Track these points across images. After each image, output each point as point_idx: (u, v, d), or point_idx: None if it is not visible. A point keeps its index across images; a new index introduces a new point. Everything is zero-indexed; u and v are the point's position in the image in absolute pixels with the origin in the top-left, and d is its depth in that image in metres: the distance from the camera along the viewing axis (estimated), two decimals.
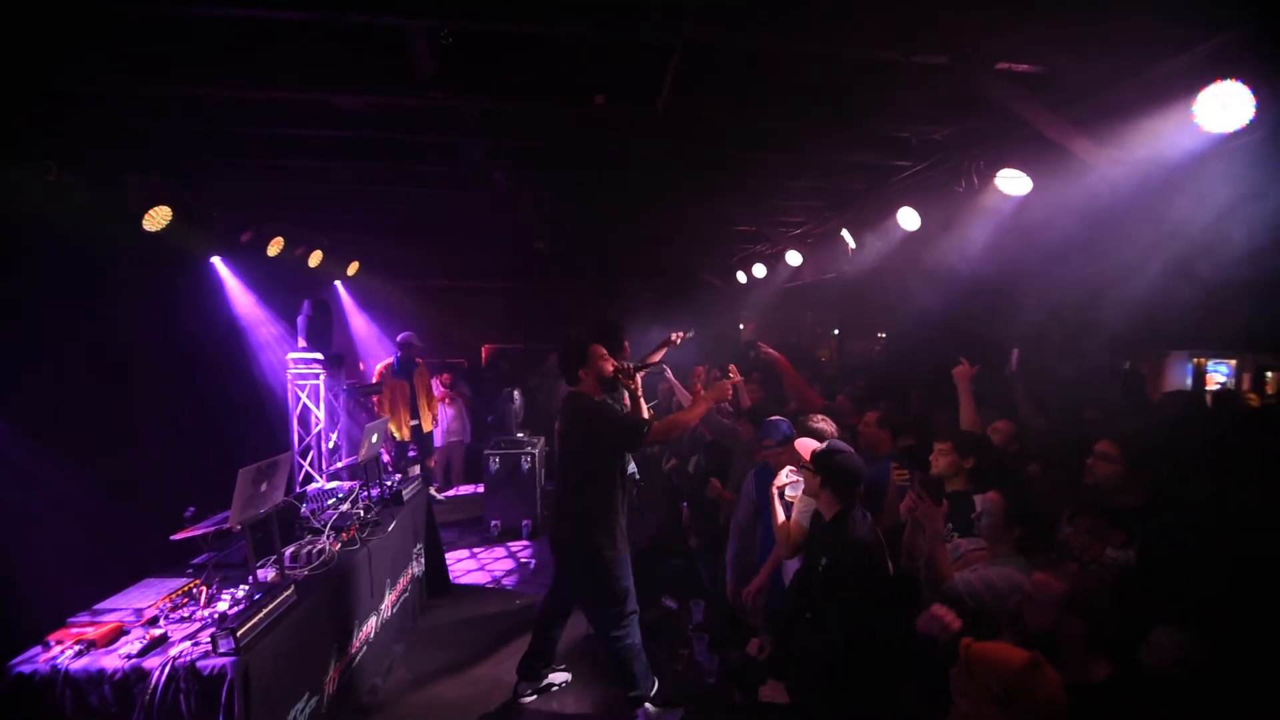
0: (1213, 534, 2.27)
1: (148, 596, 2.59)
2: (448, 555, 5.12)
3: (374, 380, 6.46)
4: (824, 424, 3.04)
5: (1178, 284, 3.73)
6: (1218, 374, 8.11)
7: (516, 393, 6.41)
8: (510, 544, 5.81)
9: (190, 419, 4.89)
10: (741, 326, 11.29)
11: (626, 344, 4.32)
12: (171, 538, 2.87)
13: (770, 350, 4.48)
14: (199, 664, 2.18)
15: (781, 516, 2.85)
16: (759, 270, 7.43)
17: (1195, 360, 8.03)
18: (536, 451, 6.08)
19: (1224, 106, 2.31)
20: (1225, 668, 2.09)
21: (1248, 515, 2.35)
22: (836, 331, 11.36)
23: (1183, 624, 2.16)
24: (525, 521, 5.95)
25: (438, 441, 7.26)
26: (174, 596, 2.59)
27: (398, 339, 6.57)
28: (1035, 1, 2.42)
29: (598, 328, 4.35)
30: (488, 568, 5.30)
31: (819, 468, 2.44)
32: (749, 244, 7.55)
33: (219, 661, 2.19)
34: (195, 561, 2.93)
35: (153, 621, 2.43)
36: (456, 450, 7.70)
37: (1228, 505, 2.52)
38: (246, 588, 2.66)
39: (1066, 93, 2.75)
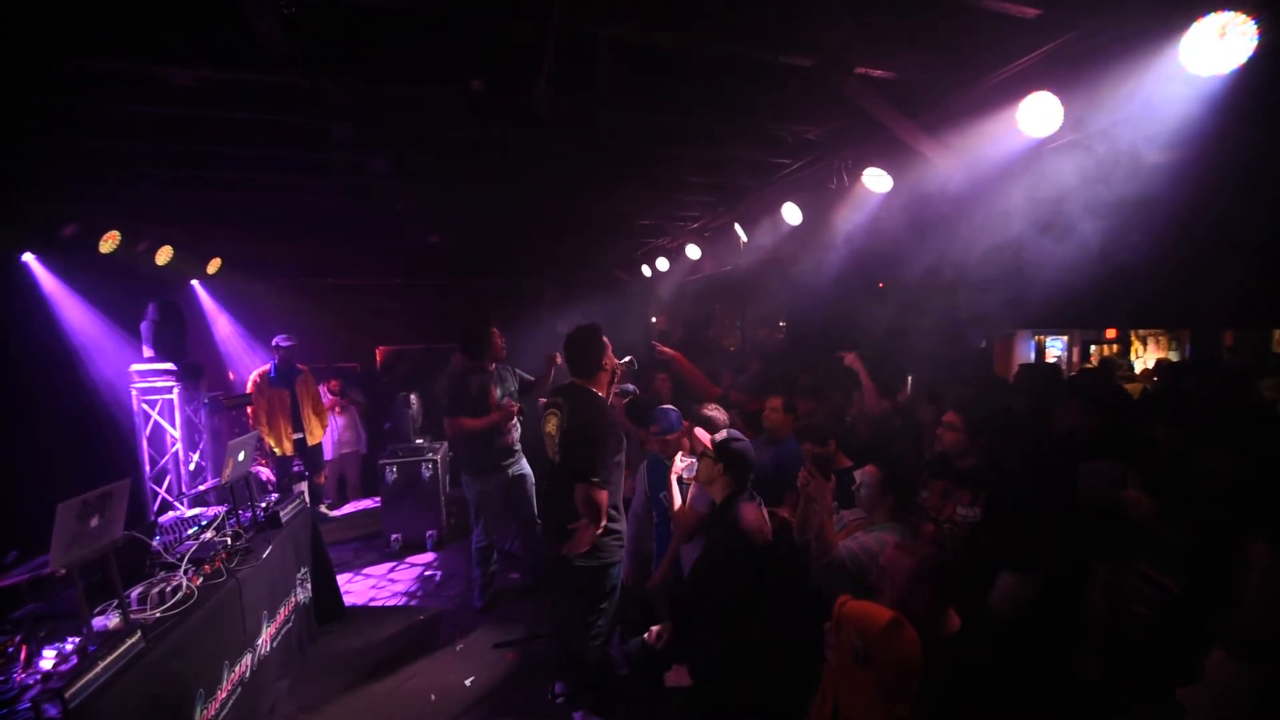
0: (1040, 489, 2.62)
1: None
2: (342, 576, 4.76)
3: (247, 390, 5.82)
4: (716, 413, 3.14)
5: (1018, 270, 4.25)
6: (1054, 349, 9.42)
7: (414, 396, 6.05)
8: (413, 558, 5.50)
9: (3, 448, 4.14)
10: (654, 320, 11.46)
11: (499, 343, 4.17)
12: None
13: (666, 349, 4.57)
14: None
15: (679, 502, 2.92)
16: (662, 264, 7.55)
17: (1037, 338, 9.26)
18: (439, 458, 5.79)
19: (1040, 115, 2.64)
20: (1054, 602, 2.43)
21: (1066, 471, 2.73)
22: (740, 323, 11.82)
23: (1019, 568, 2.49)
24: (430, 532, 5.65)
25: (328, 454, 6.69)
26: None
27: (273, 343, 5.94)
28: (886, 12, 2.63)
29: (461, 334, 4.19)
30: (387, 586, 4.97)
31: (720, 454, 2.53)
32: (650, 238, 7.65)
33: None
34: (15, 615, 2.50)
35: None
36: (350, 462, 7.16)
37: (1049, 462, 2.93)
38: (78, 640, 2.30)
39: (915, 98, 3.01)
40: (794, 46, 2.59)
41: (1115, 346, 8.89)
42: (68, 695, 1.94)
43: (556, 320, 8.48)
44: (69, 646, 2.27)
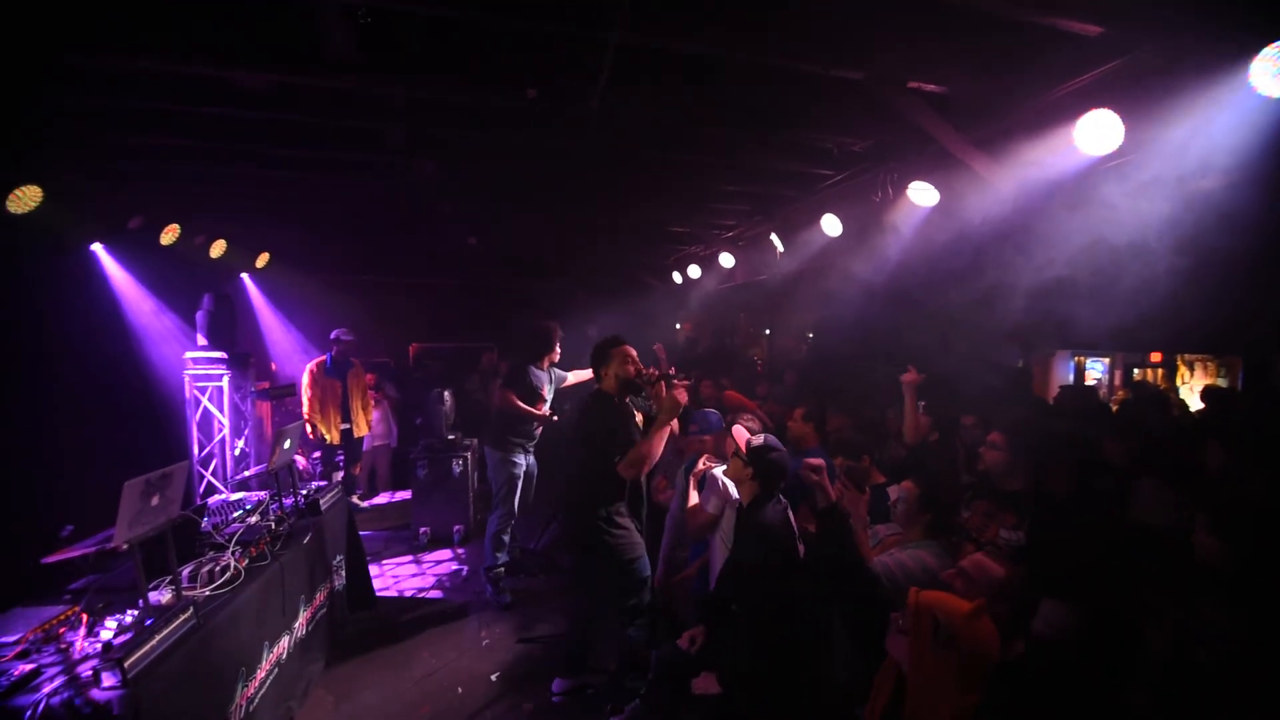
0: (1088, 514, 2.55)
1: (16, 628, 2.29)
2: (372, 566, 4.87)
3: (304, 378, 6.02)
4: (752, 423, 3.15)
5: (1062, 291, 4.15)
6: (1094, 371, 9.13)
7: (447, 393, 6.17)
8: (440, 551, 5.60)
9: (66, 427, 4.35)
10: (679, 326, 11.47)
11: (558, 348, 4.46)
12: (44, 560, 2.55)
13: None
14: (79, 700, 1.95)
15: (694, 499, 2.96)
16: (694, 271, 7.57)
17: (1076, 359, 9.00)
18: (469, 454, 5.89)
19: (1099, 133, 2.59)
20: (1103, 634, 2.35)
21: (1115, 497, 2.65)
22: (768, 331, 11.76)
23: (1064, 596, 2.42)
24: (457, 527, 5.75)
25: (363, 446, 6.86)
26: (48, 626, 2.30)
27: (331, 335, 6.15)
28: (941, 27, 2.61)
29: (530, 332, 4.50)
30: (415, 578, 5.07)
31: (752, 459, 2.54)
32: (684, 245, 7.67)
33: (104, 695, 1.96)
34: (74, 586, 2.63)
35: (23, 655, 2.15)
36: (382, 454, 7.32)
37: (1096, 487, 2.85)
38: (136, 613, 2.40)
39: (967, 114, 2.98)
40: (846, 60, 2.60)
41: (1160, 371, 8.58)
42: (127, 665, 2.03)
43: (586, 323, 8.56)
44: (128, 618, 2.38)
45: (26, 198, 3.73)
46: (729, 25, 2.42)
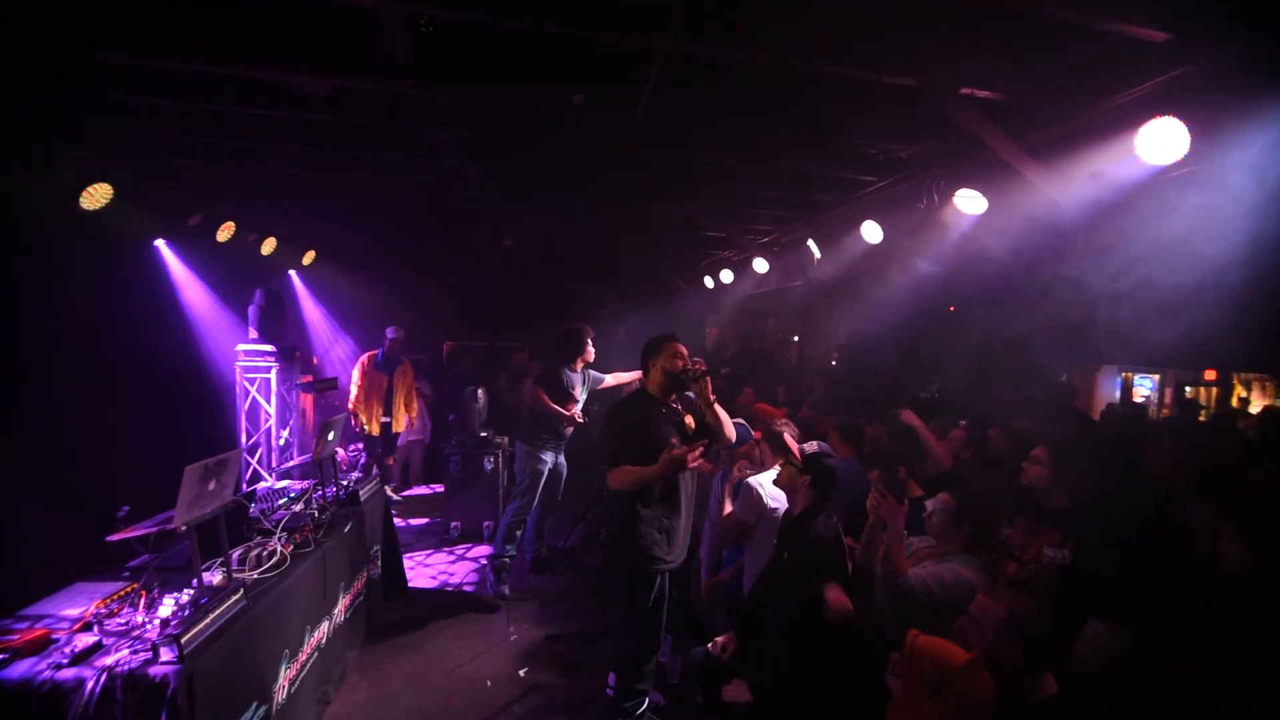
0: (1136, 533, 2.45)
1: (78, 602, 2.42)
2: (405, 557, 4.98)
3: (355, 370, 6.23)
4: (791, 428, 3.13)
5: (1112, 304, 4.01)
6: (1142, 388, 8.76)
7: (481, 391, 6.28)
8: (470, 546, 5.70)
9: (126, 412, 4.58)
10: (706, 330, 11.44)
11: (590, 350, 4.51)
12: (108, 538, 2.68)
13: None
14: (138, 673, 2.04)
15: (729, 508, 2.95)
16: (726, 276, 7.54)
17: (1123, 375, 8.64)
18: (500, 452, 5.98)
19: (1163, 141, 2.50)
20: (1150, 655, 2.26)
21: (1166, 517, 2.54)
22: (796, 339, 11.64)
23: (1110, 618, 2.33)
24: (486, 523, 5.84)
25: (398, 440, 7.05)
26: (109, 602, 2.42)
27: (386, 332, 6.37)
28: (997, 32, 2.56)
29: (561, 334, 4.57)
30: (446, 570, 5.17)
31: (808, 467, 2.53)
32: (717, 249, 7.65)
33: (161, 670, 2.05)
34: (132, 564, 2.76)
35: (85, 628, 2.26)
36: (416, 449, 7.49)
37: (1145, 506, 2.74)
38: (190, 592, 2.51)
39: (1022, 120, 2.91)
40: (899, 67, 2.57)
41: (1215, 390, 8.19)
42: (184, 640, 2.13)
43: (617, 325, 8.61)
44: (184, 597, 2.49)
45: (98, 195, 3.95)
46: (780, 34, 2.41)
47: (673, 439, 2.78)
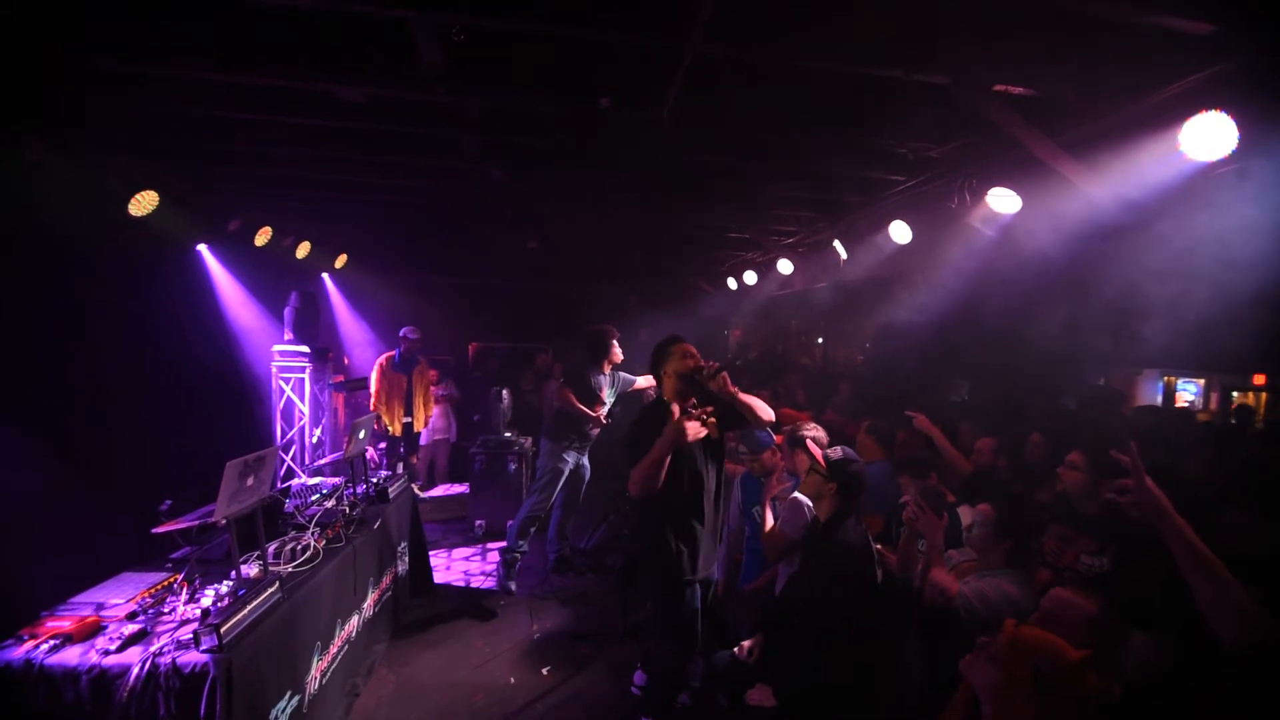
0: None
1: (125, 591, 2.52)
2: (431, 554, 5.06)
3: (374, 371, 6.36)
4: (817, 431, 3.09)
5: (1154, 305, 3.87)
6: (1186, 393, 8.41)
7: (505, 392, 6.36)
8: (495, 544, 5.77)
9: (168, 410, 4.77)
10: (728, 332, 11.39)
11: (616, 352, 4.53)
12: (154, 530, 2.80)
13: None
14: (180, 661, 2.12)
15: (771, 522, 2.89)
16: (750, 277, 7.49)
17: (1166, 379, 8.32)
18: (525, 452, 6.05)
19: (1208, 137, 2.41)
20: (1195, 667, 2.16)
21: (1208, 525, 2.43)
22: (820, 340, 11.50)
23: (1151, 628, 2.24)
24: (510, 523, 5.87)
25: (423, 440, 7.17)
26: (153, 591, 2.52)
27: (400, 333, 6.48)
28: (1032, 28, 2.50)
29: (586, 336, 4.61)
30: (471, 568, 5.25)
31: (834, 473, 2.49)
32: (741, 250, 7.61)
33: (201, 658, 2.13)
34: (175, 556, 2.86)
35: (131, 616, 2.36)
36: (441, 448, 7.62)
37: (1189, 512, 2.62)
38: (229, 584, 2.60)
39: (1059, 117, 2.84)
40: (929, 65, 2.53)
41: (1264, 395, 7.82)
42: (223, 630, 2.20)
43: (639, 327, 8.62)
44: (224, 588, 2.58)
45: (146, 202, 4.12)
46: (810, 34, 2.40)
47: (695, 442, 2.61)
